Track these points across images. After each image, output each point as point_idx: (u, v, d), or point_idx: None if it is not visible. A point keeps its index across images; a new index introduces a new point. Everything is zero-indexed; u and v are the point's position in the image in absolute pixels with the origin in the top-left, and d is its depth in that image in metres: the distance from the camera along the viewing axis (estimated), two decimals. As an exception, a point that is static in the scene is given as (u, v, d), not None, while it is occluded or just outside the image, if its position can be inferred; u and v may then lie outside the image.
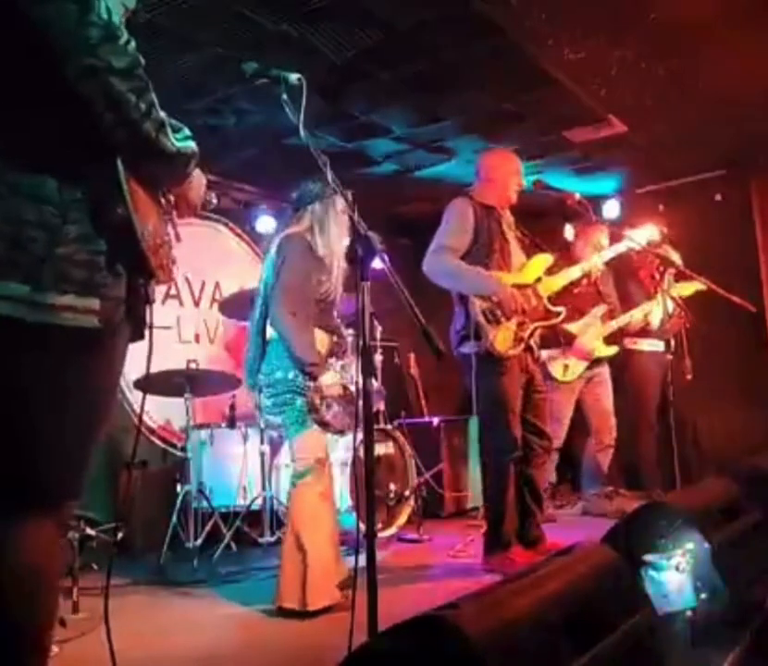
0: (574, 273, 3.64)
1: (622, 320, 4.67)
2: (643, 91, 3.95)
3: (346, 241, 3.04)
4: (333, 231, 2.98)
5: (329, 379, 2.82)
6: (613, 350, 4.67)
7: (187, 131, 1.47)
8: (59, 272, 1.30)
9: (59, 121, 1.34)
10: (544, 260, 3.52)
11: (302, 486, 2.84)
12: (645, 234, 4.00)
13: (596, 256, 3.99)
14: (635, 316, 4.67)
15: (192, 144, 1.47)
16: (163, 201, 1.57)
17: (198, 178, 1.65)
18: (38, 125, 1.33)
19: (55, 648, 2.32)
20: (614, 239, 4.16)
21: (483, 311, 3.29)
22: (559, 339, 4.54)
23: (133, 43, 1.33)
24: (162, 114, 1.37)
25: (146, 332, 1.56)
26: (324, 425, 2.81)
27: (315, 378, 2.77)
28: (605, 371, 4.76)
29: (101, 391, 1.44)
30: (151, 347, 1.57)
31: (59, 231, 1.30)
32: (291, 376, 2.83)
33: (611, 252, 3.96)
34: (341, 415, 2.83)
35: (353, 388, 2.87)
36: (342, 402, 2.84)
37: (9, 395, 1.33)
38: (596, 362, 4.68)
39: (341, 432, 2.90)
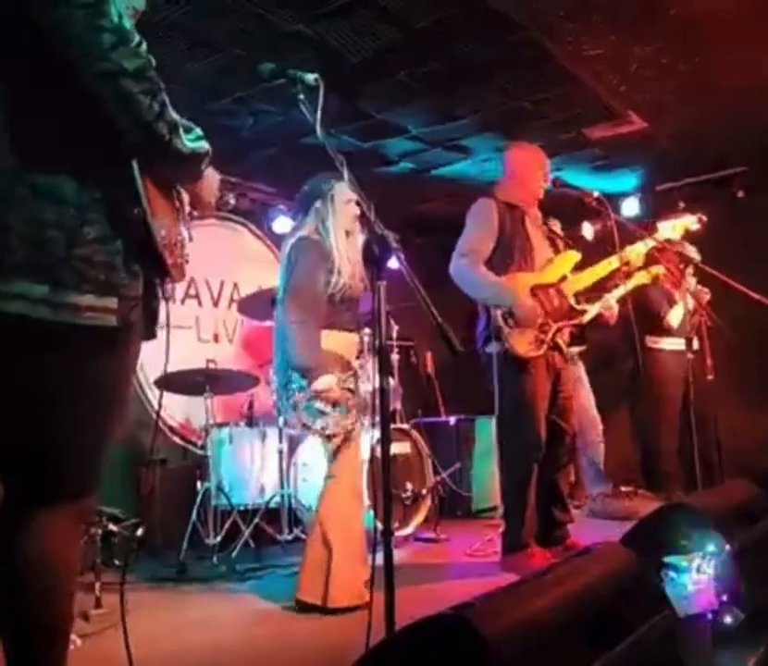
0: (601, 270, 3.54)
1: (590, 313, 4.49)
2: (663, 87, 3.91)
3: (357, 232, 3.02)
4: (336, 228, 2.95)
5: (325, 384, 2.76)
6: (581, 348, 4.60)
7: (199, 131, 1.49)
8: (79, 272, 1.32)
9: (76, 123, 1.36)
10: (571, 257, 3.48)
11: (332, 483, 2.85)
12: (679, 226, 3.84)
13: (630, 250, 3.67)
14: (602, 308, 4.34)
15: (204, 144, 1.49)
16: (177, 201, 1.59)
17: (211, 177, 1.67)
18: (56, 127, 1.35)
19: (77, 642, 2.36)
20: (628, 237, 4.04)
21: (503, 315, 3.28)
22: (581, 338, 4.44)
23: (144, 46, 1.35)
24: (175, 115, 1.39)
25: (159, 331, 1.58)
26: (316, 433, 2.80)
27: (314, 383, 2.74)
28: (579, 368, 4.71)
29: (117, 388, 1.46)
30: (168, 346, 1.60)
31: (78, 232, 1.32)
32: (298, 381, 2.82)
33: (642, 246, 3.71)
34: (340, 419, 2.79)
35: (365, 387, 2.87)
36: (345, 406, 2.82)
37: (28, 392, 1.36)
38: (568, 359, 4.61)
39: (340, 435, 2.85)
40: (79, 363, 1.37)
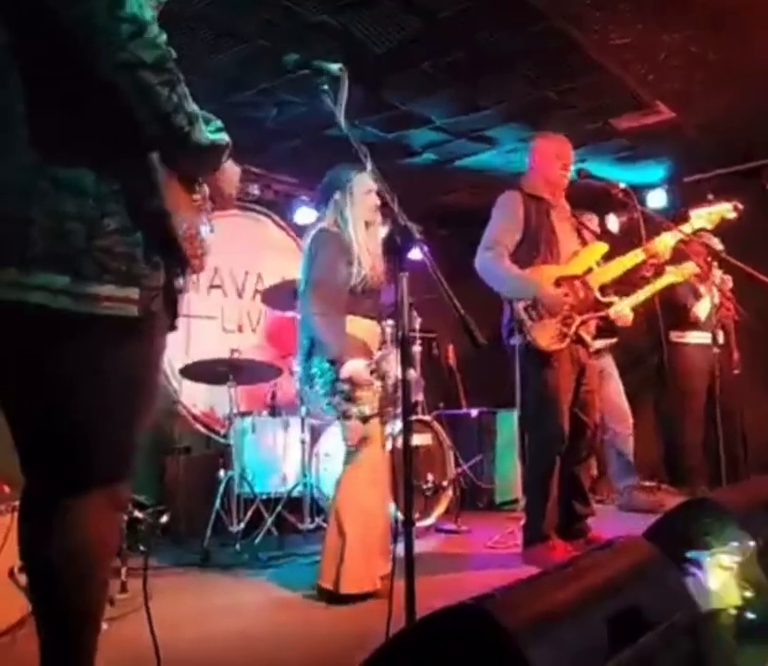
0: (628, 262, 3.46)
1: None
2: (692, 76, 3.85)
3: (377, 223, 3.02)
4: (355, 219, 2.95)
5: (353, 367, 2.78)
6: (610, 341, 4.57)
7: (219, 123, 1.49)
8: (99, 263, 1.33)
9: (95, 116, 1.36)
10: (598, 249, 3.44)
11: (350, 470, 2.87)
12: (715, 214, 3.69)
13: (658, 242, 3.51)
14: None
15: (224, 136, 1.49)
16: (198, 193, 1.59)
17: (231, 170, 1.66)
18: (74, 120, 1.35)
19: (103, 626, 2.39)
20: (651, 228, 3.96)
21: (525, 307, 3.26)
22: (608, 331, 4.38)
23: (164, 37, 1.34)
24: (194, 106, 1.38)
25: (179, 323, 1.59)
26: (348, 417, 2.82)
27: (342, 369, 2.77)
28: (610, 362, 4.68)
29: (141, 377, 1.47)
30: (189, 335, 1.62)
31: (98, 224, 1.33)
32: (324, 369, 2.85)
33: (669, 238, 3.54)
34: (373, 400, 2.83)
35: (390, 374, 2.88)
36: (376, 388, 2.85)
37: (51, 381, 1.37)
38: (596, 353, 4.58)
39: (378, 416, 2.90)
40: (100, 352, 1.39)
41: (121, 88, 1.32)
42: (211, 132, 1.45)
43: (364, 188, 2.96)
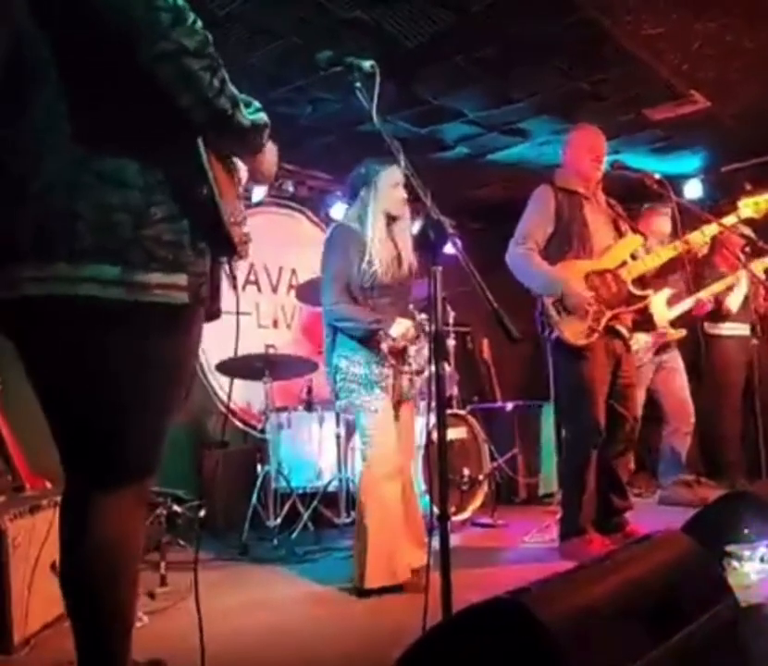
0: (665, 254, 3.40)
1: (687, 303, 4.51)
2: (727, 64, 3.78)
3: (405, 217, 3.02)
4: (376, 214, 2.94)
5: (401, 327, 2.87)
6: (681, 332, 4.52)
7: (257, 104, 1.53)
8: (147, 252, 1.36)
9: (136, 108, 1.38)
10: (632, 242, 3.40)
11: (365, 467, 2.90)
12: (764, 203, 3.50)
13: (698, 233, 3.46)
14: (701, 297, 4.48)
15: (263, 116, 1.53)
16: (236, 178, 1.62)
17: (271, 149, 1.70)
18: (116, 113, 1.38)
19: (144, 619, 2.45)
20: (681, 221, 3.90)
21: (554, 303, 3.25)
22: (645, 323, 4.37)
23: (200, 22, 1.37)
24: (234, 89, 1.41)
25: (226, 316, 1.62)
26: (361, 410, 2.87)
27: (390, 330, 2.85)
28: (676, 356, 4.61)
29: (182, 367, 1.51)
30: (238, 332, 1.65)
31: (145, 214, 1.36)
32: (344, 364, 2.89)
33: (706, 230, 3.45)
34: (419, 356, 2.90)
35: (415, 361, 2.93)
36: (419, 343, 2.92)
37: (103, 373, 1.40)
38: (665, 347, 4.53)
39: (421, 372, 2.96)
40: (150, 340, 1.42)
41: (163, 76, 1.34)
42: (250, 113, 1.48)
43: (390, 181, 2.96)
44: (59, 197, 1.33)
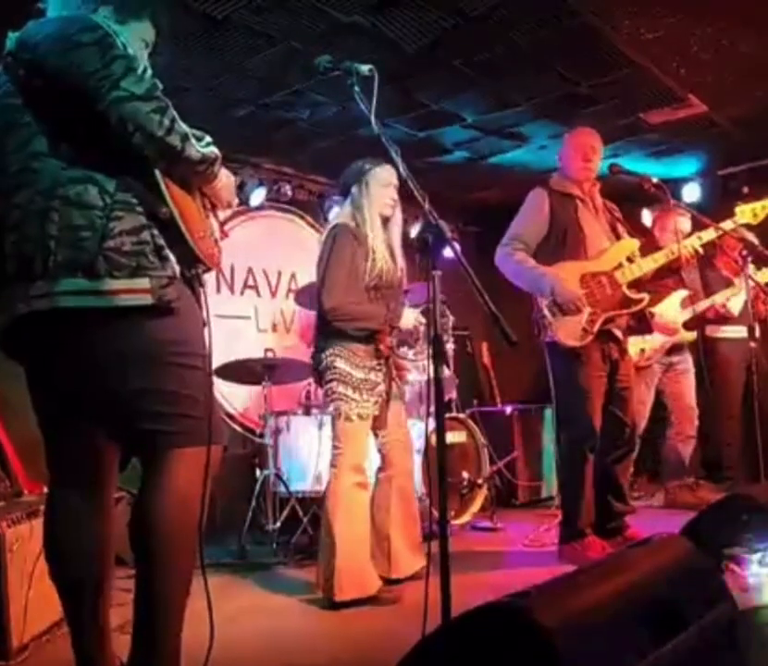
0: (660, 258, 3.41)
1: (701, 305, 4.52)
2: (724, 68, 3.79)
3: (396, 218, 3.02)
4: (371, 213, 2.93)
5: (411, 316, 2.99)
6: (692, 334, 4.53)
7: (209, 139, 1.72)
8: (111, 262, 1.53)
9: (97, 144, 1.59)
10: (627, 246, 3.40)
11: (335, 475, 2.84)
12: (760, 209, 3.51)
13: (694, 238, 3.50)
14: (717, 301, 4.52)
15: (214, 149, 1.71)
16: (205, 200, 1.83)
17: (226, 178, 1.88)
18: (80, 148, 1.59)
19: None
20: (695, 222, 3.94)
21: (548, 304, 3.25)
22: (641, 328, 4.38)
23: (150, 71, 1.61)
24: (184, 126, 1.61)
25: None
26: (338, 415, 2.86)
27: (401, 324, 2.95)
28: (687, 358, 4.61)
29: (183, 354, 1.67)
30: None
31: (106, 229, 1.54)
32: (338, 363, 2.86)
33: (710, 234, 3.49)
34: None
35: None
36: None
37: (98, 368, 1.59)
38: (676, 348, 4.54)
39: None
40: (130, 338, 1.58)
41: (116, 119, 1.53)
42: (202, 147, 1.66)
43: (381, 181, 2.95)
44: (32, 225, 1.54)
